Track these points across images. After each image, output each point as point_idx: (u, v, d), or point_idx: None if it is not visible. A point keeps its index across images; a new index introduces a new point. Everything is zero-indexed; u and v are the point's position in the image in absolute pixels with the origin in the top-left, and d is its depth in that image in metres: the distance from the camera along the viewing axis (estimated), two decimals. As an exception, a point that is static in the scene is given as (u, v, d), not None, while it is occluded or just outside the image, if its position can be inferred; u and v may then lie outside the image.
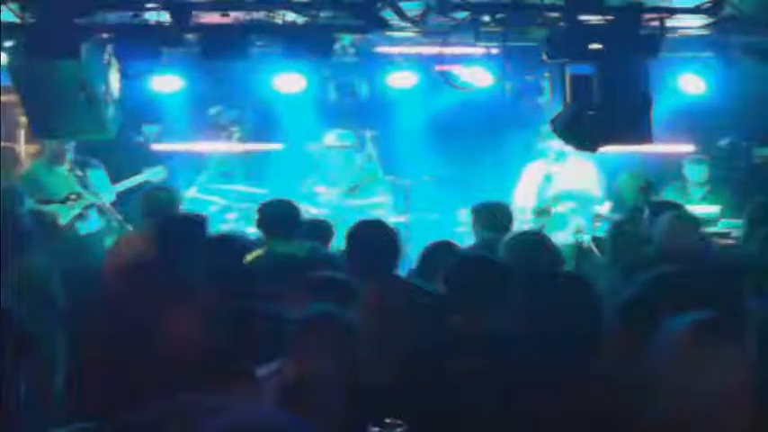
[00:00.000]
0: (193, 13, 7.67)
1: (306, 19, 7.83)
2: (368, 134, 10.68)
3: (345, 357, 4.13)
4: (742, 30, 8.21)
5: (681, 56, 9.07)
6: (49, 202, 9.01)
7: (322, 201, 10.24)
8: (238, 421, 3.13)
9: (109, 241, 8.82)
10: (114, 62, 7.90)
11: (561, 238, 8.81)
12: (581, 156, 9.55)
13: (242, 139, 10.93)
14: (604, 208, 9.75)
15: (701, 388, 3.36)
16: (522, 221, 9.17)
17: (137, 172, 9.81)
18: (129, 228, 8.90)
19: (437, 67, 8.79)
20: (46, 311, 5.61)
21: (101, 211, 9.29)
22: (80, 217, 9.19)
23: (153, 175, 9.81)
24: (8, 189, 8.01)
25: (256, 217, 7.08)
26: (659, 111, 8.07)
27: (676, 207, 7.72)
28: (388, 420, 3.94)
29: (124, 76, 8.04)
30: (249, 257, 5.95)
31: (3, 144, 10.33)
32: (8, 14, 7.37)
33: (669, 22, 7.90)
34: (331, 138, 10.48)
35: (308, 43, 7.95)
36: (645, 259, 6.45)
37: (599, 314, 4.33)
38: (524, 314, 4.35)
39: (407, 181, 10.53)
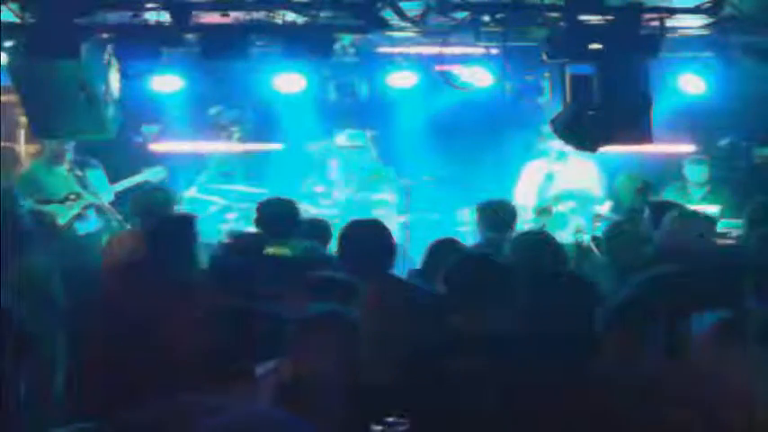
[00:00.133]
0: (193, 13, 7.67)
1: (306, 19, 7.83)
2: (368, 134, 10.70)
3: (348, 356, 4.13)
4: (742, 30, 8.21)
5: (681, 56, 9.07)
6: (48, 202, 9.00)
7: (329, 200, 10.28)
8: (236, 420, 3.13)
9: (108, 241, 8.83)
10: (114, 62, 7.90)
11: (562, 237, 8.80)
12: (582, 155, 9.55)
13: (242, 139, 10.93)
14: (604, 208, 9.75)
15: (726, 387, 3.37)
16: (523, 221, 9.17)
17: (136, 172, 9.81)
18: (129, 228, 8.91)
19: (437, 67, 8.79)
20: (46, 311, 5.60)
21: (100, 211, 9.29)
22: (79, 217, 9.18)
23: (152, 175, 9.81)
24: (8, 189, 8.00)
25: (255, 216, 7.08)
26: (659, 111, 8.07)
27: (676, 207, 7.72)
28: (390, 419, 3.94)
29: (124, 76, 8.04)
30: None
31: (3, 144, 10.33)
32: (8, 14, 7.37)
33: (669, 22, 7.90)
34: (342, 138, 10.51)
35: (308, 43, 7.95)
36: (644, 259, 6.45)
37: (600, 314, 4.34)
38: (528, 313, 4.35)
39: (407, 181, 10.54)
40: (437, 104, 10.51)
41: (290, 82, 9.60)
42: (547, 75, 9.04)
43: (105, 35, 7.78)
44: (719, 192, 10.09)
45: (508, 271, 4.83)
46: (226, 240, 7.23)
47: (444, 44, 8.13)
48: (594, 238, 8.78)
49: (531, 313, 4.34)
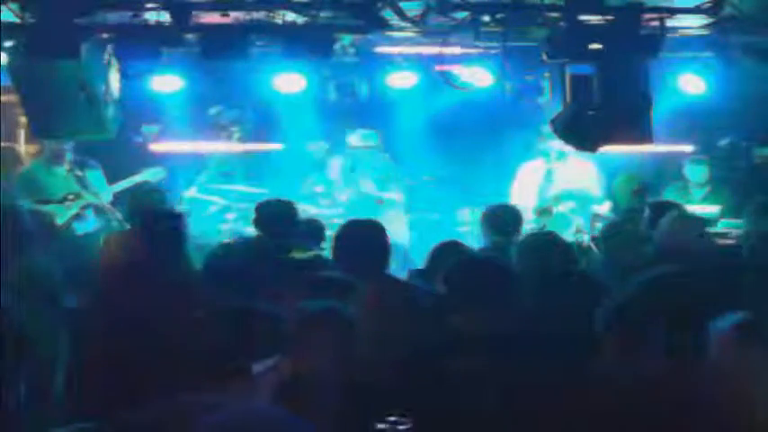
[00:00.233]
0: (193, 13, 7.67)
1: (306, 19, 7.83)
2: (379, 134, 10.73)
3: (345, 353, 4.14)
4: (742, 30, 8.21)
5: (681, 56, 9.07)
6: (47, 202, 9.01)
7: (329, 200, 10.28)
8: (234, 417, 3.14)
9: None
10: (114, 62, 7.90)
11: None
12: (581, 155, 9.55)
13: (242, 139, 10.93)
14: (603, 208, 9.75)
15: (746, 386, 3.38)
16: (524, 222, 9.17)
17: (136, 172, 9.81)
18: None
19: (437, 67, 8.78)
20: (46, 311, 5.60)
21: (100, 211, 9.29)
22: (77, 217, 9.18)
23: (152, 175, 9.81)
24: (7, 189, 8.02)
25: (253, 217, 7.09)
26: (659, 111, 8.07)
27: (676, 207, 7.72)
28: (393, 418, 3.94)
29: (124, 76, 8.03)
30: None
31: (3, 144, 10.33)
32: (8, 14, 7.37)
33: (669, 22, 7.89)
34: (355, 138, 10.52)
35: (308, 43, 7.95)
36: (643, 259, 6.45)
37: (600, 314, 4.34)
38: (535, 313, 4.36)
39: (408, 181, 10.54)
40: (437, 104, 10.51)
41: (290, 82, 9.59)
42: (547, 75, 9.05)
43: (105, 35, 7.77)
44: (719, 192, 10.09)
45: (507, 271, 4.84)
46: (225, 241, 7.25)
47: (444, 44, 8.13)
48: (594, 238, 8.79)
49: (538, 313, 4.35)
